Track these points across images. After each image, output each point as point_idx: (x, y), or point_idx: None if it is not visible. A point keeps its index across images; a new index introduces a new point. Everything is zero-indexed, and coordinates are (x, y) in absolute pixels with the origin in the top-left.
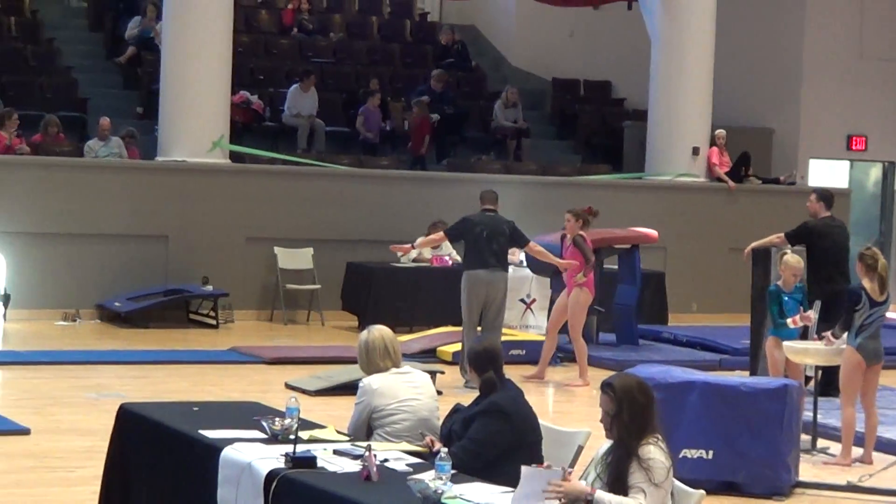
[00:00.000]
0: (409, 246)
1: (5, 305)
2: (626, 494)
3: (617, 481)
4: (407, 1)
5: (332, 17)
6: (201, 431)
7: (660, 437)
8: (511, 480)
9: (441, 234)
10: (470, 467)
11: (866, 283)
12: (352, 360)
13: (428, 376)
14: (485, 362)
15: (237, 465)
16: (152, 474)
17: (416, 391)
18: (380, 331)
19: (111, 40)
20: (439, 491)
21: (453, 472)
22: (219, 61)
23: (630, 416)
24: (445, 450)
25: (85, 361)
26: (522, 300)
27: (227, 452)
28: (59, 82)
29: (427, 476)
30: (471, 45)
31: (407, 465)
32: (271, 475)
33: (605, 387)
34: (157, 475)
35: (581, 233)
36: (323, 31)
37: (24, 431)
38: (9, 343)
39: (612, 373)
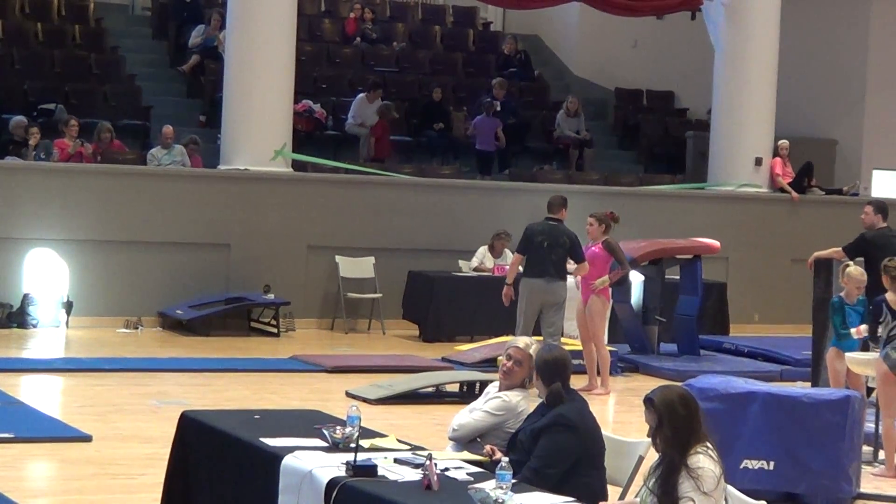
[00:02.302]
0: (509, 289)
1: (68, 313)
2: None
3: (665, 494)
4: (470, 10)
5: (395, 26)
6: (262, 439)
7: (710, 445)
8: (575, 492)
9: (517, 256)
10: (539, 485)
11: (889, 296)
12: (412, 370)
13: None
14: (553, 373)
15: (298, 473)
16: (213, 482)
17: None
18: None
19: (175, 49)
20: (500, 500)
21: (514, 481)
22: (282, 70)
23: (672, 429)
24: (506, 459)
25: (147, 369)
26: None
27: (288, 460)
28: (122, 91)
29: (488, 485)
30: (533, 54)
31: (468, 474)
32: (332, 483)
33: (647, 401)
34: (218, 483)
35: (608, 238)
36: (386, 41)
37: (87, 438)
38: (71, 350)
39: (673, 383)
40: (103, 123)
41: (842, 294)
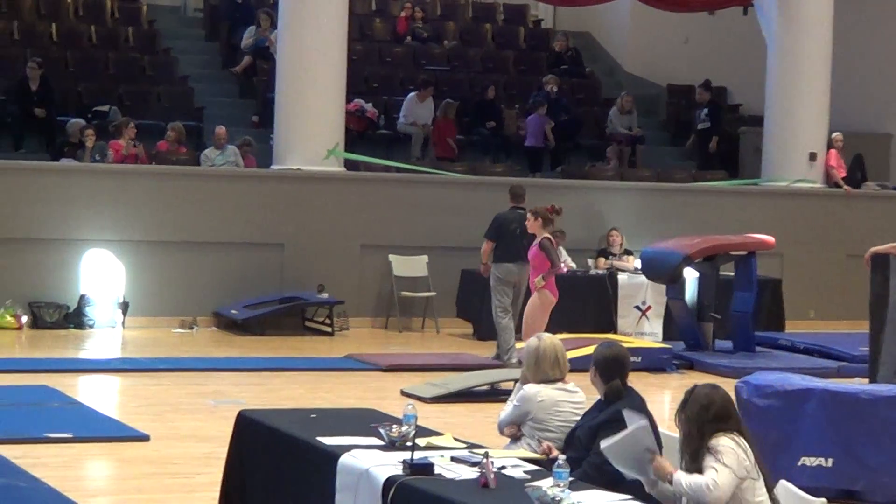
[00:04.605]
0: (486, 267)
1: (124, 313)
2: None
3: (692, 464)
4: (521, 8)
5: (445, 25)
6: (319, 438)
7: (739, 434)
8: (632, 490)
9: (489, 242)
10: (597, 481)
11: None
12: (466, 368)
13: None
14: (612, 370)
15: (355, 471)
16: (270, 481)
17: (578, 415)
18: (551, 339)
19: (227, 50)
20: (557, 498)
21: (571, 479)
22: (333, 70)
23: (689, 416)
24: (563, 457)
25: (202, 368)
26: (637, 307)
27: (345, 459)
28: (175, 92)
29: (545, 483)
30: (585, 51)
31: (524, 472)
32: (389, 482)
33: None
34: (275, 482)
35: (548, 235)
36: (437, 39)
37: (144, 438)
38: (127, 350)
39: (728, 380)
40: (175, 124)
41: None
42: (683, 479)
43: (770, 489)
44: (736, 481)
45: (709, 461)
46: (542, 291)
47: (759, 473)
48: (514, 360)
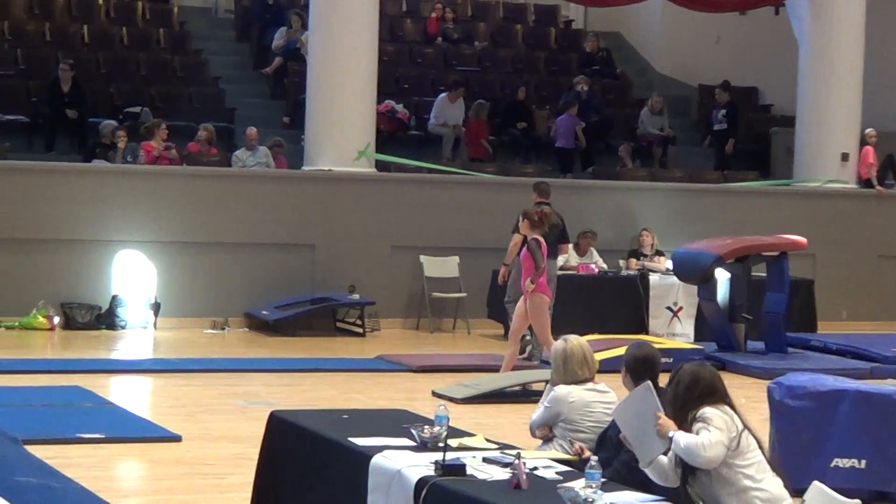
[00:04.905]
0: (506, 269)
1: (155, 314)
2: None
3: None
4: (552, 8)
5: (476, 26)
6: (351, 439)
7: (723, 405)
8: (665, 490)
9: (517, 237)
10: (628, 481)
11: None
12: (498, 369)
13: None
14: (642, 370)
15: (387, 472)
16: (302, 481)
17: (609, 415)
18: (577, 340)
19: (258, 51)
20: (589, 499)
21: (603, 479)
22: (364, 71)
23: (674, 396)
24: (595, 458)
25: (234, 369)
26: (669, 308)
27: (377, 460)
28: (206, 93)
29: (577, 484)
30: (616, 52)
31: (556, 473)
32: (421, 483)
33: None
34: (307, 482)
35: (537, 237)
36: (468, 40)
37: (176, 438)
38: (159, 351)
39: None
40: (207, 125)
41: None
42: (682, 438)
43: (764, 452)
44: (727, 443)
45: (698, 426)
46: (533, 295)
47: (751, 441)
48: (533, 357)
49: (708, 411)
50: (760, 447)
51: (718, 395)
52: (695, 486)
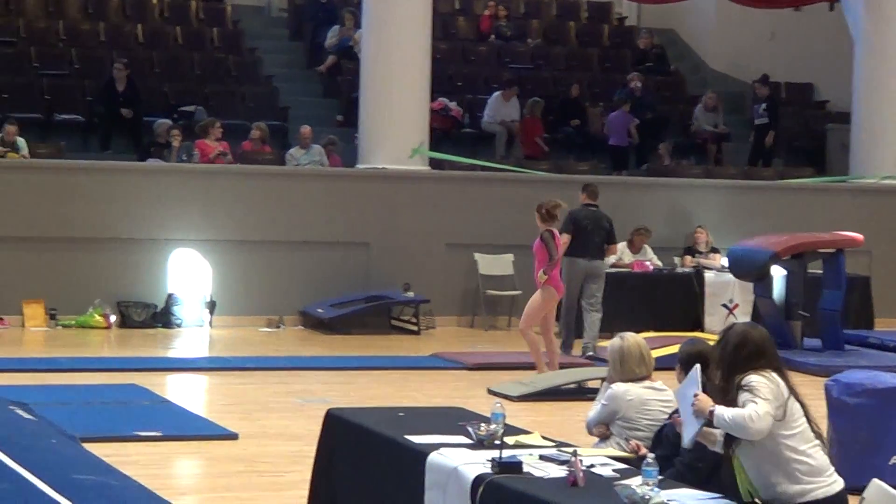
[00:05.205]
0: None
1: (211, 312)
2: None
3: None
4: (605, 5)
5: (529, 23)
6: (407, 437)
7: (772, 371)
8: (722, 486)
9: (565, 236)
10: (688, 479)
11: None
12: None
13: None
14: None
15: (444, 470)
16: (359, 479)
17: (666, 413)
18: (634, 338)
19: (311, 49)
20: (647, 497)
21: (660, 477)
22: (417, 69)
23: (722, 354)
24: (652, 455)
25: (290, 367)
26: (725, 305)
27: (434, 457)
28: (260, 92)
29: (634, 481)
30: (669, 48)
31: (613, 470)
32: (478, 480)
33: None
34: (363, 480)
35: (550, 228)
36: (520, 37)
37: (233, 436)
38: (214, 349)
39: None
40: (259, 124)
41: None
42: (725, 412)
43: (811, 421)
44: (774, 413)
45: (744, 397)
46: (545, 287)
47: (796, 408)
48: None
49: (754, 380)
50: (806, 414)
51: (767, 359)
52: (737, 452)
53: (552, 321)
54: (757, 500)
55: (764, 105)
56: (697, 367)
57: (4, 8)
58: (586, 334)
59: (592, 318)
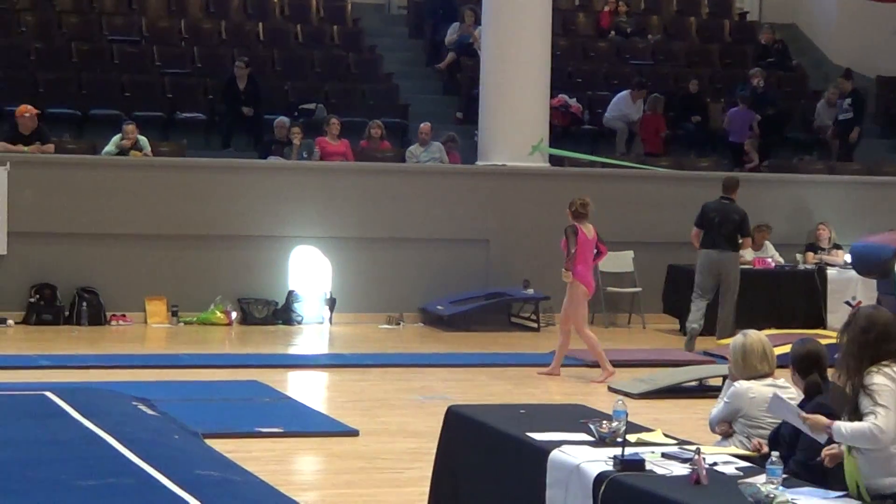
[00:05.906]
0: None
1: (331, 309)
2: None
3: (853, 413)
4: (726, 0)
5: (649, 19)
6: (529, 434)
7: (892, 363)
8: (839, 482)
9: (695, 229)
10: (804, 479)
11: None
12: (674, 364)
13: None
14: (809, 365)
15: (566, 467)
16: (480, 476)
17: None
18: (757, 335)
19: (431, 46)
20: (771, 495)
21: (785, 476)
22: (537, 65)
23: (848, 344)
24: (776, 453)
25: (410, 364)
26: (848, 302)
27: (556, 455)
28: (380, 89)
29: (758, 480)
30: (791, 43)
31: (736, 468)
32: (600, 477)
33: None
34: (485, 477)
35: (574, 223)
36: (640, 33)
37: (353, 433)
38: (335, 346)
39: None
40: (375, 122)
41: None
42: (844, 427)
43: None
44: None
45: (866, 403)
46: (572, 284)
47: None
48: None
49: (878, 383)
50: None
51: (894, 342)
52: (854, 453)
53: (572, 321)
54: (862, 492)
55: (848, 100)
56: (774, 392)
57: (127, 7)
58: (717, 326)
59: (724, 312)
